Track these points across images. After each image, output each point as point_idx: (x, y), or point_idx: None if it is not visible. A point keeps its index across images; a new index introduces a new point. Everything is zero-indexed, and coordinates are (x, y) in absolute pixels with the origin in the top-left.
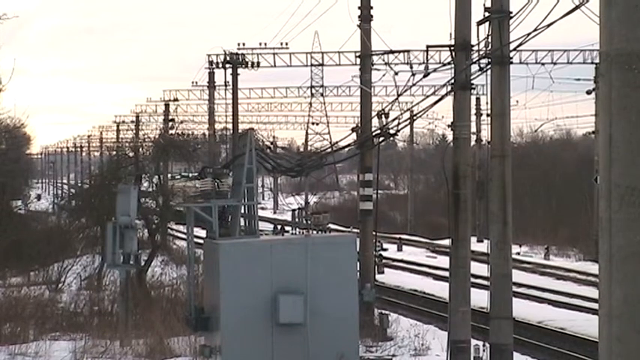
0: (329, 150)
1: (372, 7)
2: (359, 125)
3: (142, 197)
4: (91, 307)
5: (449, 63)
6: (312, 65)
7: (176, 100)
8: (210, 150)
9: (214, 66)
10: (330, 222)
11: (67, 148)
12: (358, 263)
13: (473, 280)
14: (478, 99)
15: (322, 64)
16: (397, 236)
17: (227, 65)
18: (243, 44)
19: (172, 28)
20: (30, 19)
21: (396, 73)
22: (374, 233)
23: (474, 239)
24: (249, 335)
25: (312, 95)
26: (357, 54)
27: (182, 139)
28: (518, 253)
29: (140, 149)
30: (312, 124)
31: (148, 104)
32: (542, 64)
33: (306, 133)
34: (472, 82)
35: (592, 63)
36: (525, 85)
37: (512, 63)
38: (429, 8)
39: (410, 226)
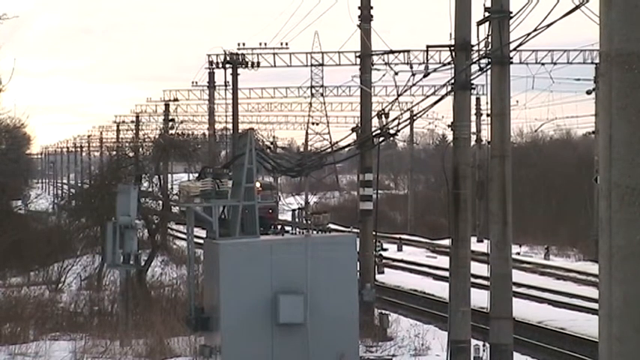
0: (329, 150)
1: (372, 7)
2: (359, 125)
3: (141, 197)
4: (91, 307)
5: (449, 63)
6: (312, 65)
7: (176, 100)
8: (210, 150)
9: (214, 66)
10: (330, 222)
11: (67, 148)
12: (358, 263)
13: (473, 280)
14: (478, 99)
15: (322, 64)
16: (397, 236)
17: (227, 65)
18: (243, 44)
19: (172, 28)
20: (29, 20)
21: (396, 73)
22: (374, 233)
23: (474, 239)
24: (249, 335)
25: (312, 95)
26: (357, 54)
27: (182, 139)
28: (518, 253)
29: (140, 149)
30: (312, 124)
31: (148, 104)
32: (542, 64)
33: (306, 133)
34: (472, 82)
35: (592, 63)
36: (525, 85)
37: (512, 63)
38: (429, 8)
39: (410, 226)
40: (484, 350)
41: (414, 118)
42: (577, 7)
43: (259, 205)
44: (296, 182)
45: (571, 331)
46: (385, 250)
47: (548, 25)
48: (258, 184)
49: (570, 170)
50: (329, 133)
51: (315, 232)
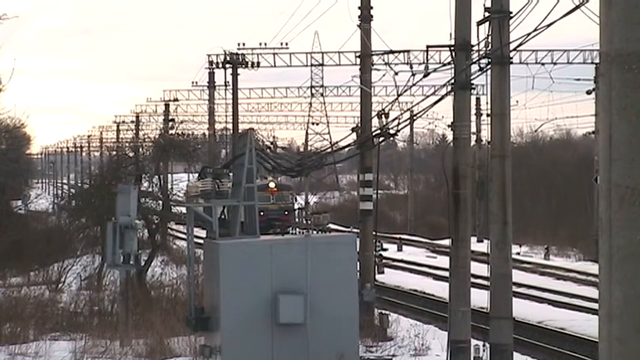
0: (329, 150)
1: (372, 7)
2: (359, 125)
3: (141, 197)
4: (91, 307)
5: (449, 63)
6: (312, 65)
7: (176, 100)
8: (210, 150)
9: (214, 66)
10: (330, 222)
11: (67, 148)
12: (358, 263)
13: (473, 280)
14: (478, 99)
15: (322, 64)
16: (397, 236)
17: (227, 65)
18: (243, 44)
19: (171, 28)
20: (29, 19)
21: (396, 73)
22: (374, 233)
23: (474, 239)
24: (249, 335)
25: (312, 95)
26: (357, 54)
27: (182, 139)
28: (518, 253)
29: (140, 149)
30: (312, 124)
31: (148, 104)
32: (542, 64)
33: (306, 133)
34: (472, 82)
35: (592, 63)
36: (525, 85)
37: (512, 63)
38: (429, 8)
39: (410, 226)
40: (484, 350)
41: (414, 118)
42: (577, 7)
43: (274, 207)
44: (296, 182)
45: (571, 331)
46: (385, 250)
47: (548, 25)
48: (272, 185)
49: (570, 170)
50: (329, 133)
51: (315, 232)
